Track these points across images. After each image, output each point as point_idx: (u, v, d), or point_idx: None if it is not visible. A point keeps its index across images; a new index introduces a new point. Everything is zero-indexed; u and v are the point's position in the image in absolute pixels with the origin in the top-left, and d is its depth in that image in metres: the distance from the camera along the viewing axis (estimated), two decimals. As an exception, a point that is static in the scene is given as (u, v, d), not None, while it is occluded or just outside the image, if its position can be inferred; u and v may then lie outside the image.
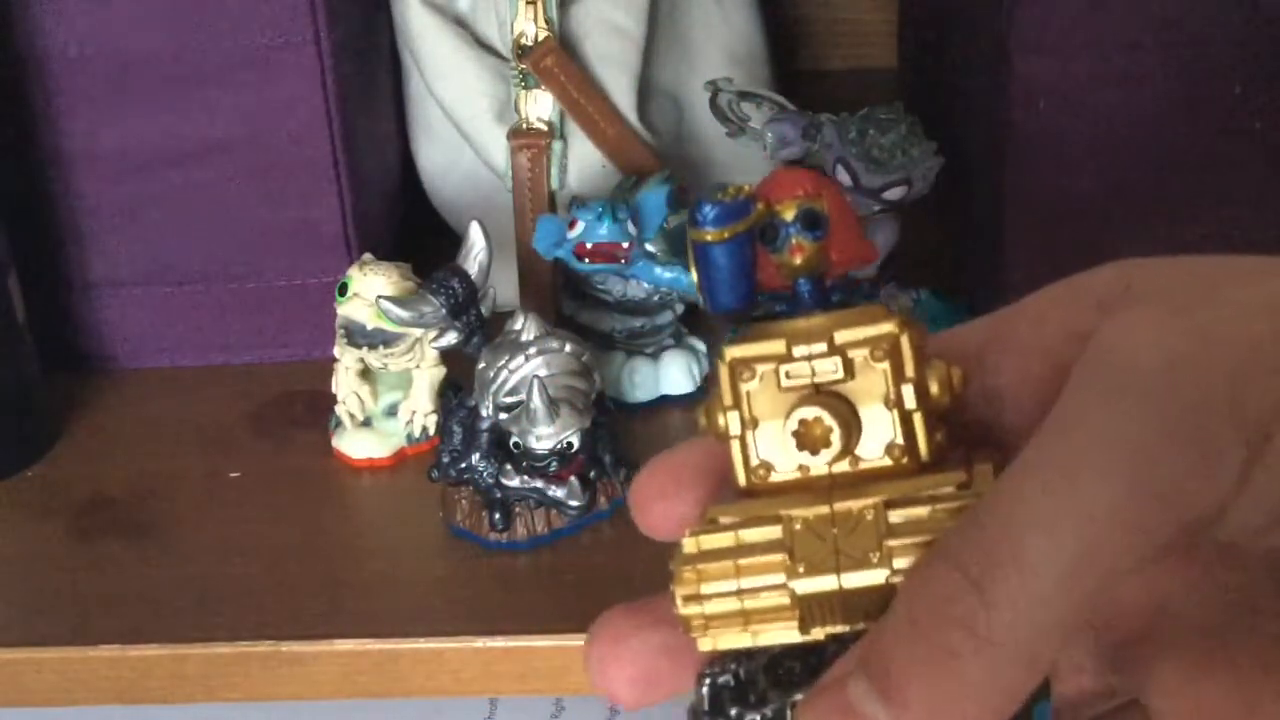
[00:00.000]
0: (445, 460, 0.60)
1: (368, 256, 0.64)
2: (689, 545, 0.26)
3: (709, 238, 0.26)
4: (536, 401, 0.57)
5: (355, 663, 0.55)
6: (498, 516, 0.58)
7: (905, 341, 0.26)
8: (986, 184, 0.70)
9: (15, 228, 0.67)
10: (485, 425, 0.59)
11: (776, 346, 0.26)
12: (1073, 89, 0.65)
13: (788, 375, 0.26)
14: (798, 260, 0.27)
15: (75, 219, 0.70)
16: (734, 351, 0.27)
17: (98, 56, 0.67)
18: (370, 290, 0.62)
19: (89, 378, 0.72)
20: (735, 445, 0.27)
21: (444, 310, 0.59)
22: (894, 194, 0.67)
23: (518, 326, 0.59)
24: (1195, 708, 0.26)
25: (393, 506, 0.63)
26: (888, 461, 0.26)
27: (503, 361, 0.58)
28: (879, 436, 0.26)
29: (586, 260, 0.64)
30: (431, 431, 0.65)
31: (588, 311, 0.69)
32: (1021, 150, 0.66)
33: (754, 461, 0.27)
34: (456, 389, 0.61)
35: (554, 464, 0.58)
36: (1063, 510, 0.23)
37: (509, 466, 0.59)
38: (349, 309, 0.62)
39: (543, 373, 0.58)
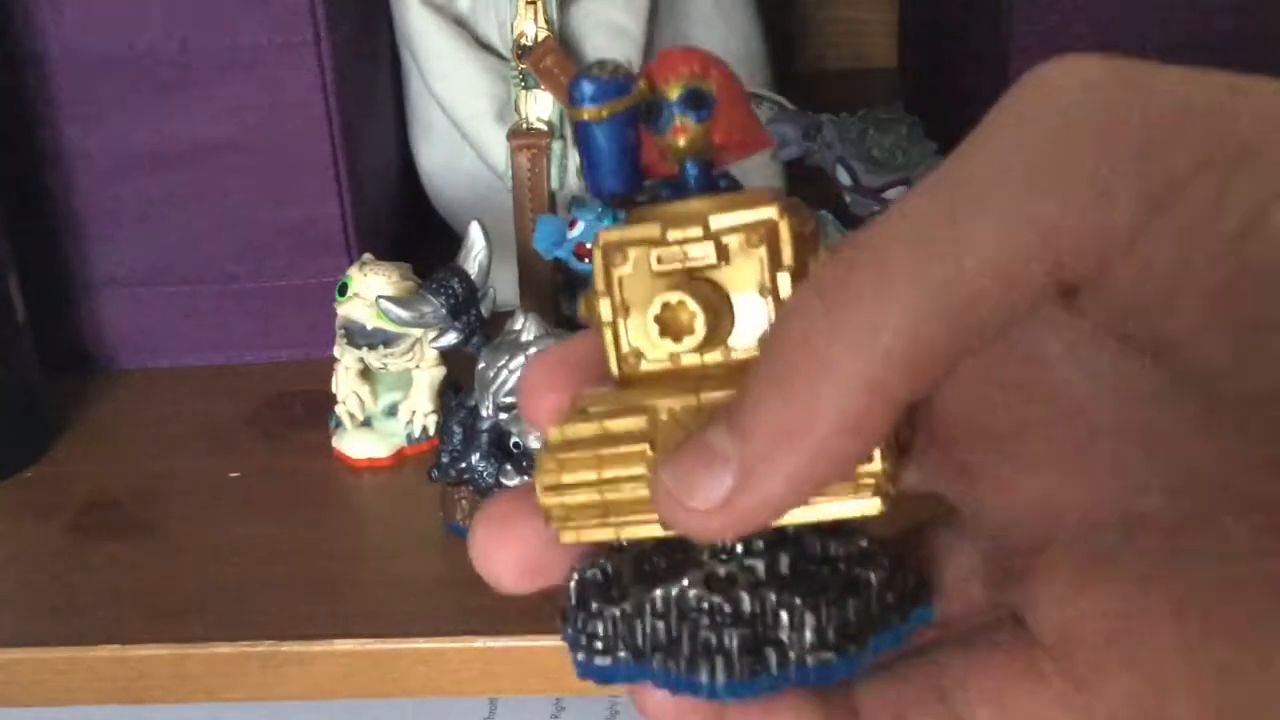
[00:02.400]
0: (445, 460, 0.60)
1: (368, 256, 0.64)
2: (554, 435, 0.25)
3: (586, 116, 0.25)
4: (536, 401, 0.57)
5: (355, 662, 0.55)
6: (498, 516, 0.58)
7: (784, 227, 0.25)
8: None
9: (15, 228, 0.67)
10: (485, 425, 0.59)
11: (650, 230, 0.25)
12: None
13: (659, 260, 0.25)
14: (681, 142, 0.25)
15: (75, 219, 0.70)
16: (608, 236, 0.26)
17: (98, 56, 0.67)
18: (370, 290, 0.62)
19: (89, 378, 0.72)
20: (608, 332, 0.26)
21: (444, 310, 0.59)
22: (894, 194, 0.67)
23: (518, 326, 0.59)
24: (1071, 621, 0.25)
25: (393, 506, 0.63)
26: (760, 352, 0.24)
27: (503, 361, 0.58)
28: (753, 326, 0.25)
29: (586, 260, 0.64)
30: (431, 431, 0.65)
31: (588, 311, 0.69)
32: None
33: (625, 349, 0.26)
34: (456, 389, 0.61)
35: (554, 464, 0.58)
36: (933, 232, 0.21)
37: (509, 466, 0.59)
38: (349, 309, 0.62)
39: (543, 373, 0.58)
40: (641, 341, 0.25)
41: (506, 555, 0.26)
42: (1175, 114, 0.21)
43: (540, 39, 0.69)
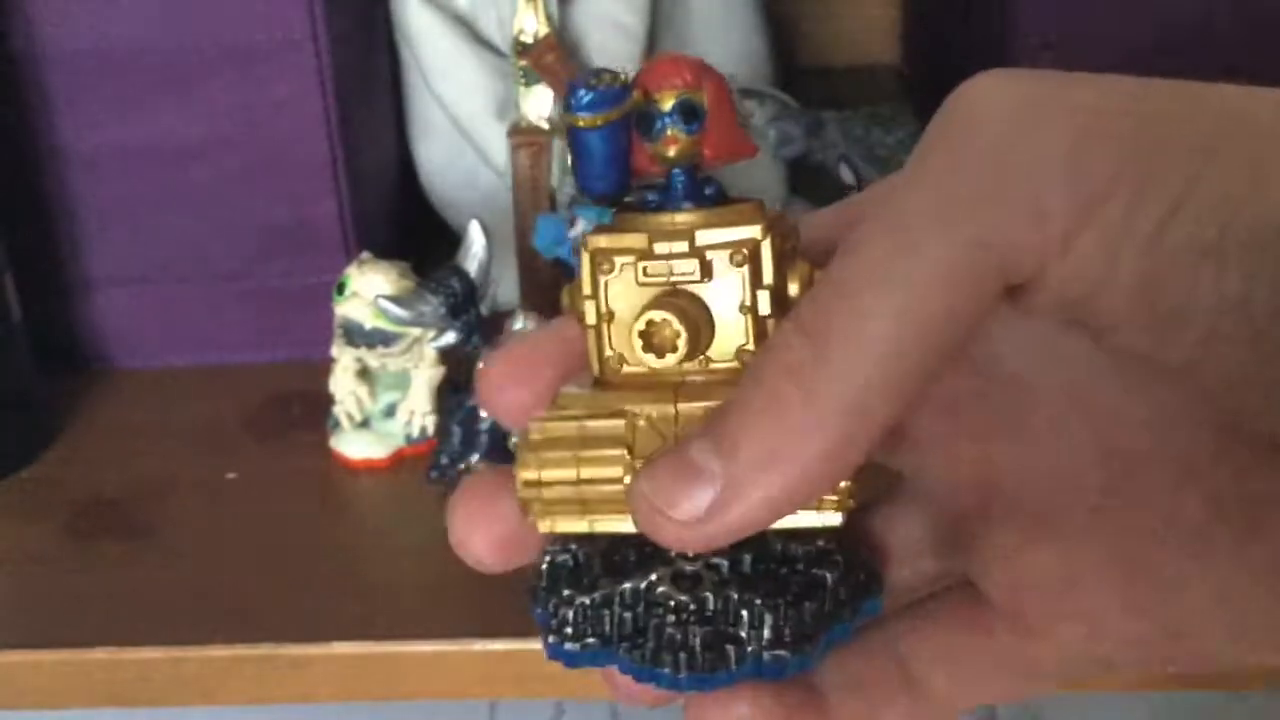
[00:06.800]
0: (444, 461, 0.59)
1: (366, 255, 0.63)
2: (535, 431, 0.27)
3: (581, 123, 0.26)
4: (536, 401, 0.56)
5: (354, 665, 0.54)
6: (497, 518, 0.58)
7: (766, 247, 0.26)
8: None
9: (11, 227, 0.66)
10: (485, 425, 0.58)
11: (638, 240, 0.27)
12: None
13: (645, 273, 0.26)
14: (671, 152, 0.27)
15: (71, 218, 0.70)
16: (597, 241, 0.27)
17: (94, 54, 0.67)
18: (369, 289, 0.61)
19: (85, 378, 0.72)
20: (591, 335, 0.27)
21: (443, 309, 0.59)
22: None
23: (517, 326, 0.59)
24: (1019, 578, 0.27)
25: (391, 508, 0.63)
26: (737, 365, 0.26)
27: (502, 361, 0.58)
28: (731, 340, 0.26)
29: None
30: (430, 432, 0.64)
31: (588, 311, 0.68)
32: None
33: (607, 353, 0.27)
34: (456, 389, 0.61)
35: (554, 465, 0.58)
36: (894, 264, 0.23)
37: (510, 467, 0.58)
38: (347, 308, 0.62)
39: (543, 372, 0.57)
40: (623, 347, 0.27)
41: (486, 533, 0.28)
42: (1093, 125, 0.23)
43: (540, 35, 0.69)
